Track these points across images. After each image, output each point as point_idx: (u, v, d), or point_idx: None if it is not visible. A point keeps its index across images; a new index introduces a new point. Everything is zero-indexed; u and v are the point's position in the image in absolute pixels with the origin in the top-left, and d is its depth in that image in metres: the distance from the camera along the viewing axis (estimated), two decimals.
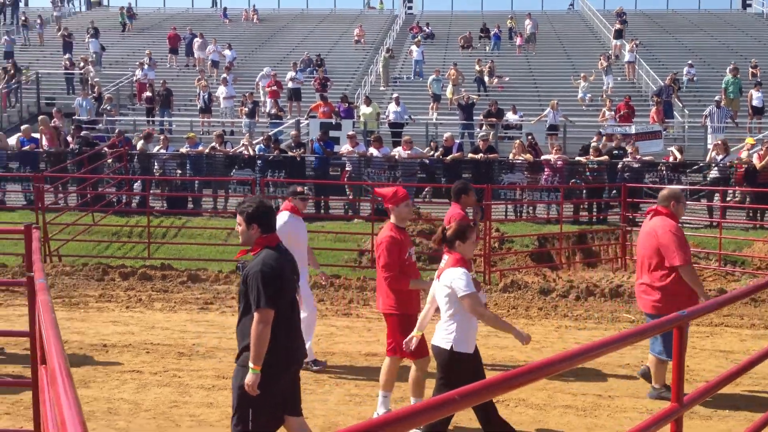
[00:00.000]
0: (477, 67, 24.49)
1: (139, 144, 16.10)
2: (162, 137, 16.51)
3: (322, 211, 15.09)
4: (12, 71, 23.60)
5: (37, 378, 3.97)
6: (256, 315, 4.12)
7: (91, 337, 7.95)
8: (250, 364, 4.09)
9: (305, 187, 9.20)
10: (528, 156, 14.89)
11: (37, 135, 16.46)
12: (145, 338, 7.96)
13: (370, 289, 10.45)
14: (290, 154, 15.57)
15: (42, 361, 2.72)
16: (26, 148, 15.98)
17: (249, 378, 4.09)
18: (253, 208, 4.34)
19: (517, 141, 15.93)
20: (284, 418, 4.35)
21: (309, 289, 7.43)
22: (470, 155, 15.33)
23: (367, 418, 5.81)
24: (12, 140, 16.83)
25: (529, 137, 16.56)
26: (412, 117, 20.52)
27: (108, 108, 21.22)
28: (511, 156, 15.29)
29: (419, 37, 28.65)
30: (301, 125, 19.10)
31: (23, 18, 32.46)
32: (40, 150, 16.02)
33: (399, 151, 15.25)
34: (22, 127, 16.94)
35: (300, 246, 6.65)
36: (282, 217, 6.58)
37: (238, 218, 4.40)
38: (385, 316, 5.68)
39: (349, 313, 9.30)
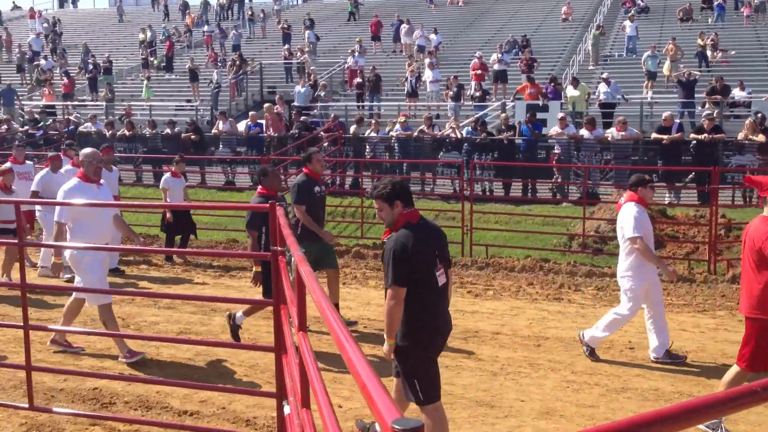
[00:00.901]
0: (699, 41, 22.70)
1: (352, 128, 16.85)
2: (373, 122, 17.14)
3: (529, 194, 14.86)
4: (239, 63, 25.68)
5: (282, 343, 4.31)
6: (387, 292, 4.31)
7: (314, 310, 8.47)
8: (385, 336, 4.39)
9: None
10: (761, 137, 13.59)
11: (262, 121, 17.82)
12: (360, 313, 8.34)
13: (581, 274, 10.19)
14: (499, 136, 15.47)
15: (301, 328, 2.91)
16: (252, 132, 17.35)
17: (384, 348, 4.44)
18: (390, 186, 4.46)
19: (748, 120, 14.60)
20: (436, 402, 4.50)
21: None
22: (692, 135, 14.30)
23: (585, 406, 5.67)
24: (241, 126, 18.35)
25: (759, 115, 15.10)
26: (625, 96, 19.52)
27: (322, 94, 22.38)
28: (740, 136, 14.04)
29: (633, 12, 27.08)
30: (506, 107, 18.92)
31: (249, 13, 35.10)
32: (265, 135, 17.31)
33: (612, 133, 14.60)
34: (250, 114, 18.41)
35: None
36: None
37: (378, 203, 4.51)
38: (747, 320, 4.99)
39: (560, 298, 9.10)
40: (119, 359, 6.63)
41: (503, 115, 16.79)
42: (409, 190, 4.60)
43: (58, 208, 6.54)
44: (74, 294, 6.86)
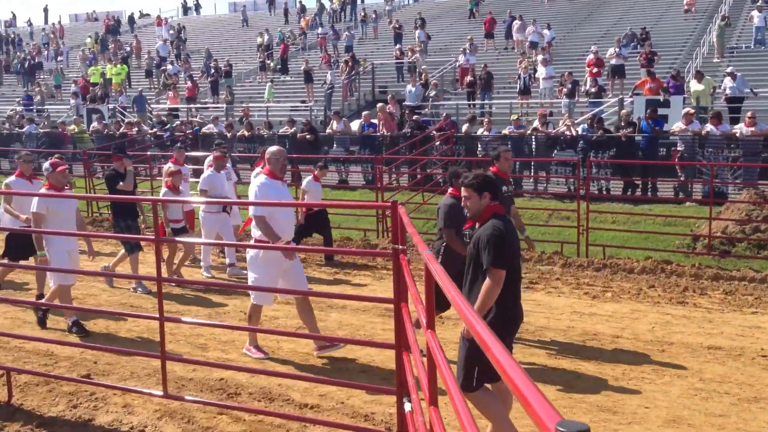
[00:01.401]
0: None
1: (464, 127, 16.78)
2: (485, 120, 17.00)
3: (649, 193, 14.30)
4: (351, 64, 26.13)
5: (404, 339, 4.37)
6: (488, 273, 4.43)
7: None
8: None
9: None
10: None
11: (375, 120, 18.05)
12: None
13: (707, 277, 9.70)
14: (617, 133, 14.98)
15: (429, 326, 2.94)
16: (366, 132, 17.61)
17: (464, 328, 4.55)
18: (482, 178, 4.71)
19: None
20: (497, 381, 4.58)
21: None
22: None
23: (714, 415, 5.42)
24: (354, 126, 18.66)
25: None
26: (754, 90, 18.42)
27: (433, 93, 22.41)
28: None
29: (761, 1, 25.51)
30: (624, 103, 18.28)
31: (362, 14, 35.62)
32: (378, 134, 17.52)
33: (741, 128, 13.82)
34: (363, 114, 18.69)
35: None
36: None
37: (467, 191, 4.71)
38: None
39: (684, 301, 8.71)
40: (243, 351, 6.90)
41: (623, 111, 16.23)
42: (498, 185, 4.84)
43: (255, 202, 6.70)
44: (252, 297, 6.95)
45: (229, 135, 19.41)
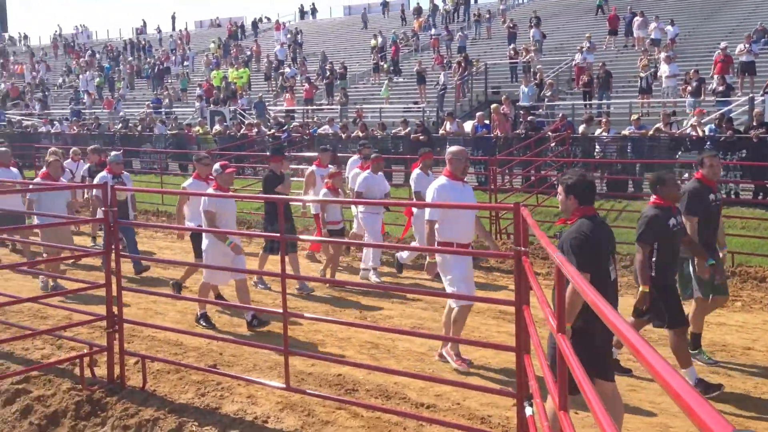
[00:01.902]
0: None
1: (581, 127, 16.37)
2: (603, 120, 16.51)
3: None
4: (464, 64, 26.03)
5: (525, 342, 4.33)
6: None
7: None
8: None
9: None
10: None
11: (488, 121, 17.90)
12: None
13: None
14: (748, 134, 14.17)
15: (560, 329, 2.92)
16: (480, 133, 17.50)
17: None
18: (573, 180, 4.60)
19: None
20: (594, 381, 4.31)
21: None
22: None
23: None
24: (467, 126, 18.59)
25: None
26: None
27: (548, 93, 21.98)
28: None
29: None
30: (755, 102, 17.25)
31: (475, 14, 35.42)
32: (492, 135, 17.37)
33: None
34: (477, 114, 18.58)
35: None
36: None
37: (559, 188, 4.70)
38: None
39: None
40: (440, 352, 6.81)
41: (756, 111, 15.33)
42: (590, 190, 4.67)
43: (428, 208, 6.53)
44: (453, 304, 6.70)
45: (343, 136, 19.80)
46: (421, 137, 18.23)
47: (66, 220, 8.77)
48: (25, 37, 60.31)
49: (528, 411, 4.47)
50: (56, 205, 9.47)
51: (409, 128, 19.10)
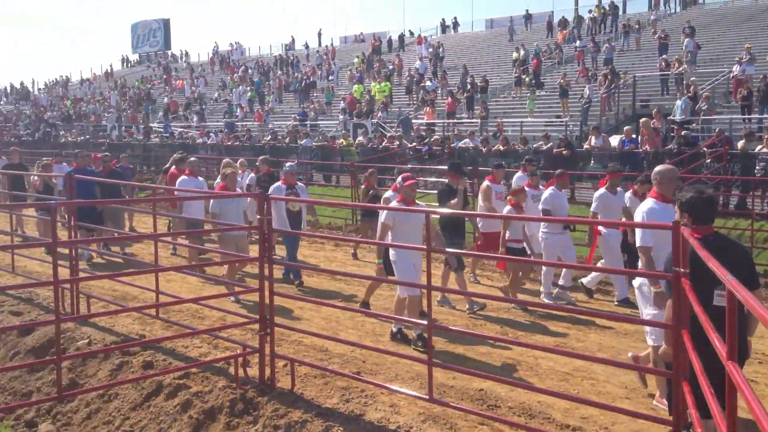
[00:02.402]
0: None
1: (740, 143, 15.39)
2: (766, 136, 15.44)
3: None
4: (610, 77, 25.19)
5: (683, 367, 4.13)
6: None
7: None
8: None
9: None
10: None
11: (636, 136, 17.23)
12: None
13: None
14: None
15: (730, 358, 2.78)
16: (627, 148, 16.87)
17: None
18: (688, 196, 4.43)
19: None
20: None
21: None
22: None
23: None
24: (613, 141, 17.98)
25: None
26: None
27: (704, 107, 20.84)
28: None
29: None
30: None
31: (624, 25, 34.25)
32: (640, 150, 16.70)
33: None
34: (624, 129, 17.94)
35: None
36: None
37: (676, 205, 4.57)
38: None
39: None
40: (653, 404, 6.14)
41: None
42: (707, 208, 4.47)
43: (640, 231, 5.98)
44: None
45: (484, 150, 19.73)
46: (564, 152, 17.85)
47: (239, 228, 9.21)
48: (186, 54, 64.69)
49: None
50: (237, 216, 10.03)
51: (550, 143, 18.74)
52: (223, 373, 6.80)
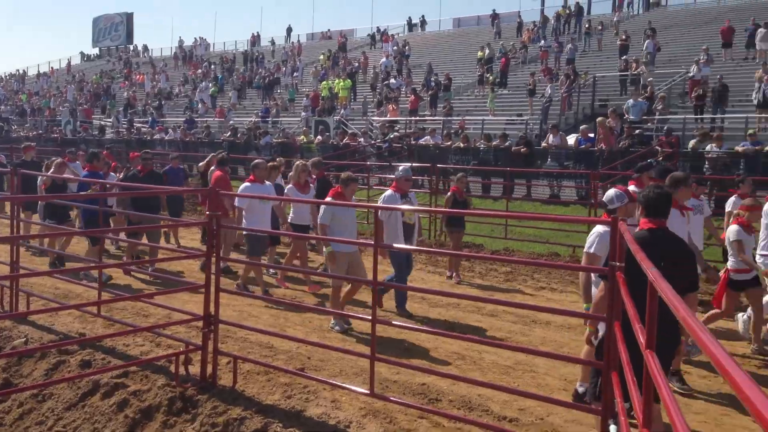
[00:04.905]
0: None
1: (692, 142, 15.70)
2: (715, 135, 15.77)
3: None
4: (572, 76, 25.48)
5: (613, 360, 4.21)
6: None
7: None
8: None
9: None
10: None
11: (592, 135, 17.46)
12: None
13: None
14: None
15: (648, 347, 2.86)
16: (583, 147, 17.09)
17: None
18: (644, 192, 4.79)
19: None
20: None
21: None
22: None
23: None
24: (571, 140, 18.20)
25: None
26: None
27: (660, 107, 21.17)
28: None
29: None
30: None
31: (587, 26, 34.64)
32: (595, 149, 16.94)
33: None
34: (581, 128, 18.17)
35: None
36: None
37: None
38: None
39: None
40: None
41: None
42: (658, 202, 4.66)
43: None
44: None
45: (443, 146, 19.83)
46: (522, 150, 18.02)
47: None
48: (146, 48, 63.78)
49: (612, 429, 4.35)
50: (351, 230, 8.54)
51: (509, 141, 18.90)
52: (164, 371, 6.72)
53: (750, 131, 15.47)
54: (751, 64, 25.02)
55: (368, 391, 5.78)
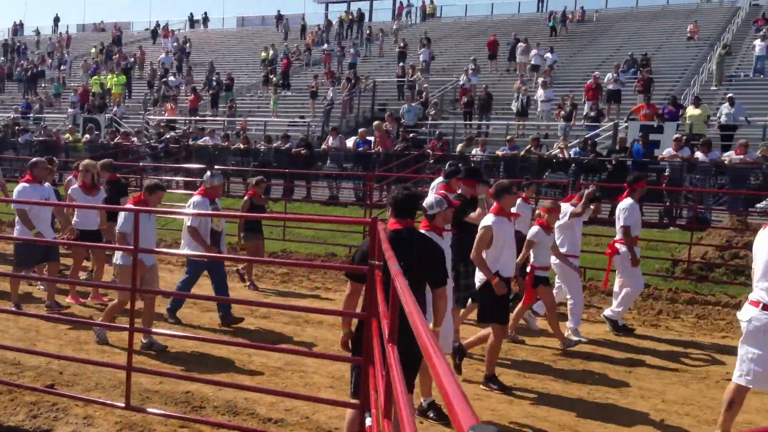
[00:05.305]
0: None
1: (459, 146, 16.81)
2: (480, 140, 17.03)
3: None
4: (353, 80, 26.23)
5: (370, 356, 4.33)
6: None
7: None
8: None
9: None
10: None
11: (371, 138, 18.08)
12: None
13: (682, 301, 9.98)
14: (608, 157, 14.99)
15: (390, 341, 2.95)
16: (361, 149, 17.63)
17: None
18: (394, 193, 4.97)
19: None
20: None
21: None
22: None
23: None
24: (350, 142, 18.71)
25: None
26: (748, 119, 18.39)
27: (432, 112, 22.45)
28: None
29: (764, 30, 25.60)
30: (619, 128, 18.32)
31: (368, 32, 35.80)
32: (372, 152, 17.55)
33: (730, 156, 13.83)
34: (359, 131, 18.73)
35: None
36: None
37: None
38: None
39: (657, 324, 8.75)
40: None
41: (621, 137, 16.29)
42: (402, 204, 4.84)
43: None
44: None
45: (222, 147, 19.45)
46: (303, 151, 18.20)
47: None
48: None
49: (368, 421, 4.49)
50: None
51: (290, 143, 19.00)
52: None
53: (509, 137, 16.89)
54: (512, 75, 27.38)
55: (123, 404, 5.49)
